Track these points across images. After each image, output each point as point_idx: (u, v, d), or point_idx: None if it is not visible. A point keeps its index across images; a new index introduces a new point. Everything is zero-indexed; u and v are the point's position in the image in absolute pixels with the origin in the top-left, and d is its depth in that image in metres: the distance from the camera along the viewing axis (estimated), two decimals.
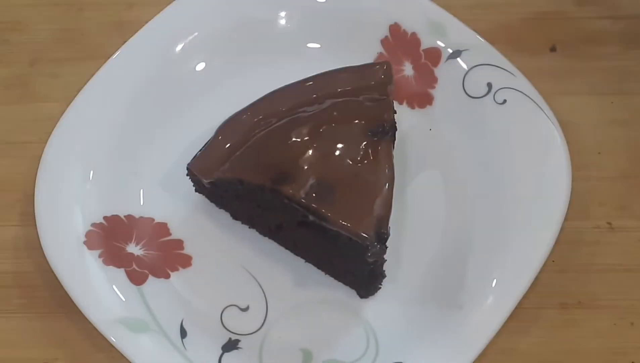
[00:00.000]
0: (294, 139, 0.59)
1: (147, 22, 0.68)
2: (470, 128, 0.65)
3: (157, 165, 0.65)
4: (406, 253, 0.61)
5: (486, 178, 0.63)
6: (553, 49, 0.70)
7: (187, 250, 0.62)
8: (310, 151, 0.58)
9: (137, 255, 0.61)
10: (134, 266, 0.60)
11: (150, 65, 0.67)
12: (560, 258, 0.61)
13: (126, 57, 0.66)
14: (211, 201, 0.64)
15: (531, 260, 0.58)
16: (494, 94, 0.65)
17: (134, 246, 0.61)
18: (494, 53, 0.66)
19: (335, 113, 0.60)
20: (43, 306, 0.60)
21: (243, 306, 0.60)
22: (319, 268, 0.62)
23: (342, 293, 0.61)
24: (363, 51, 0.67)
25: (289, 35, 0.69)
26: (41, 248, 0.59)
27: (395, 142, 0.61)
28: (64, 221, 0.60)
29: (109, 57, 0.66)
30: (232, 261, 0.62)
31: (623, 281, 0.61)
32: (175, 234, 0.63)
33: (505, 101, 0.64)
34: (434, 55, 0.67)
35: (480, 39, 0.66)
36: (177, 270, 0.61)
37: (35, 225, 0.59)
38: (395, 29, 0.68)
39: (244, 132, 0.60)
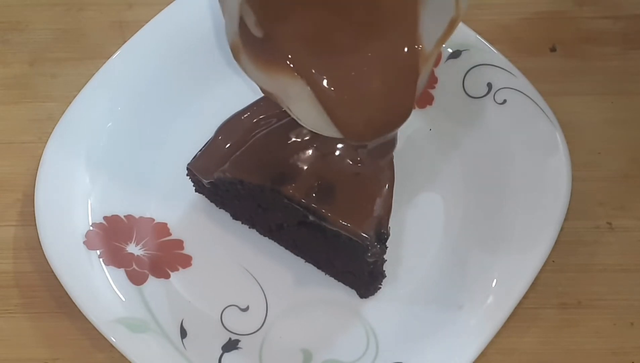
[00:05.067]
0: (294, 139, 0.59)
1: (147, 22, 0.68)
2: (470, 128, 0.65)
3: (157, 165, 0.65)
4: (406, 253, 0.61)
5: (486, 178, 0.63)
6: (553, 49, 0.70)
7: (187, 250, 0.62)
8: (310, 151, 0.58)
9: (137, 255, 0.61)
10: (134, 266, 0.60)
11: (150, 65, 0.67)
12: (560, 258, 0.61)
13: (126, 57, 0.66)
14: (211, 201, 0.64)
15: (531, 260, 0.58)
16: (494, 94, 0.65)
17: (134, 246, 0.61)
18: (494, 53, 0.66)
19: None
20: (43, 306, 0.60)
21: (243, 306, 0.60)
22: (319, 268, 0.62)
23: (342, 293, 0.61)
24: None
25: None
26: (41, 248, 0.59)
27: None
28: (63, 221, 0.60)
29: (109, 57, 0.66)
30: (232, 261, 0.62)
31: (623, 281, 0.61)
32: (175, 234, 0.63)
33: (505, 101, 0.64)
34: None
35: (480, 39, 0.66)
36: (177, 270, 0.61)
37: (35, 225, 0.59)
38: None
39: (244, 132, 0.60)
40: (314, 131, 0.52)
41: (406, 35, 0.51)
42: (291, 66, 0.49)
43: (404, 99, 0.51)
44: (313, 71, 0.50)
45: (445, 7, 0.49)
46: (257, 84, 0.49)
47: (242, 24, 0.45)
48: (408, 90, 0.51)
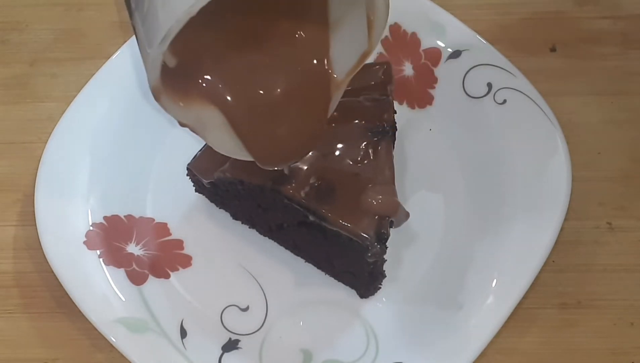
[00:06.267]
0: None
1: None
2: (470, 128, 0.65)
3: (157, 165, 0.65)
4: (406, 253, 0.61)
5: (486, 178, 0.63)
6: (553, 49, 0.70)
7: (187, 250, 0.62)
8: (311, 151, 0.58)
9: (137, 255, 0.61)
10: (134, 266, 0.60)
11: None
12: (560, 258, 0.61)
13: (126, 57, 0.66)
14: (211, 201, 0.64)
15: (531, 260, 0.58)
16: (494, 94, 0.65)
17: (134, 246, 0.61)
18: (494, 53, 0.66)
19: (335, 113, 0.59)
20: (43, 306, 0.60)
21: (243, 306, 0.60)
22: (319, 268, 0.62)
23: (342, 293, 0.61)
24: None
25: None
26: (41, 248, 0.59)
27: (395, 142, 0.61)
28: (64, 221, 0.60)
29: (109, 57, 0.66)
30: (232, 261, 0.62)
31: (623, 281, 0.61)
32: (175, 234, 0.63)
33: (505, 101, 0.64)
34: (434, 55, 0.67)
35: (480, 39, 0.66)
36: (177, 270, 0.61)
37: (35, 225, 0.59)
38: (395, 29, 0.68)
39: None
40: (227, 156, 0.53)
41: (318, 65, 0.52)
42: (206, 95, 0.51)
43: (315, 128, 0.53)
44: (227, 99, 0.51)
45: (357, 41, 0.50)
46: (176, 119, 0.50)
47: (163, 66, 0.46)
48: (319, 119, 0.53)
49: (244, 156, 0.53)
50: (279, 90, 0.52)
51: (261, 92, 0.52)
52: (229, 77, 0.51)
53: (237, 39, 0.51)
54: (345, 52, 0.51)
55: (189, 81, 0.50)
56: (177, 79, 0.48)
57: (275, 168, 0.55)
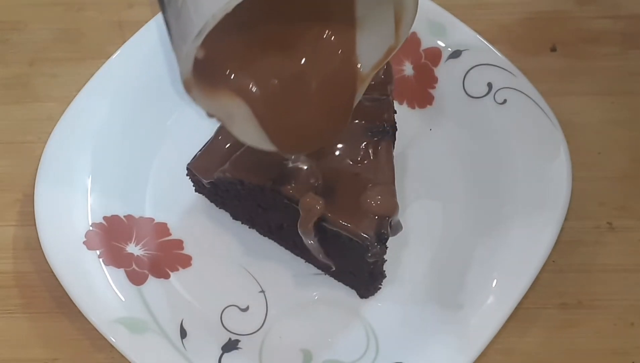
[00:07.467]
0: None
1: (147, 22, 0.68)
2: (470, 128, 0.65)
3: (157, 165, 0.65)
4: (406, 253, 0.61)
5: (486, 178, 0.63)
6: (553, 49, 0.70)
7: (187, 250, 0.62)
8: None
9: (137, 255, 0.61)
10: (134, 266, 0.60)
11: (150, 65, 0.67)
12: (560, 258, 0.61)
13: (126, 57, 0.66)
14: (211, 201, 0.64)
15: (531, 260, 0.58)
16: (494, 94, 0.65)
17: (134, 246, 0.61)
18: (494, 53, 0.66)
19: None
20: (42, 306, 0.60)
21: (243, 307, 0.60)
22: (319, 268, 0.62)
23: (342, 293, 0.61)
24: None
25: None
26: (41, 248, 0.59)
27: (395, 142, 0.61)
28: (63, 221, 0.60)
29: (109, 57, 0.66)
30: (232, 261, 0.62)
31: (623, 281, 0.61)
32: (175, 234, 0.63)
33: (505, 101, 0.64)
34: (434, 55, 0.67)
35: (480, 39, 0.66)
36: (177, 270, 0.61)
37: (35, 225, 0.59)
38: None
39: None
40: (251, 146, 0.54)
41: (344, 58, 0.52)
42: (233, 88, 0.51)
43: (340, 119, 0.54)
44: (254, 92, 0.51)
45: (384, 35, 0.51)
46: (204, 110, 0.50)
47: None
48: (344, 111, 0.53)
49: (268, 146, 0.53)
50: (305, 83, 0.52)
51: (288, 85, 0.52)
52: (256, 70, 0.51)
53: (265, 33, 0.51)
54: (372, 47, 0.51)
55: (217, 74, 0.50)
56: (205, 72, 0.48)
57: (293, 156, 0.55)
